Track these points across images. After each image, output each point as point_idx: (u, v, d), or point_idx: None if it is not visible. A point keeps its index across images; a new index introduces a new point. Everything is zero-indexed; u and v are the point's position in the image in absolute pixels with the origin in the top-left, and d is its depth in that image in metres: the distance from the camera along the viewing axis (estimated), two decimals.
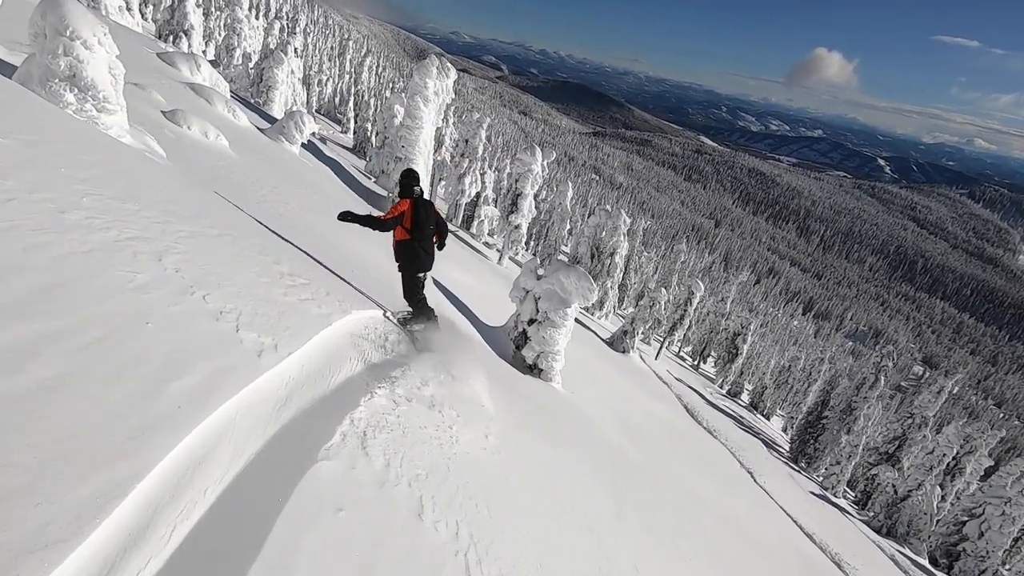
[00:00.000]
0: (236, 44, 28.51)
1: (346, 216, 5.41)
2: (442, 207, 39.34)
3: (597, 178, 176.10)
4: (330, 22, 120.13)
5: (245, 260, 4.04)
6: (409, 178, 5.59)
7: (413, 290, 5.81)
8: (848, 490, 34.25)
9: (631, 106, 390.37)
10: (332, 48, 79.35)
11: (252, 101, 25.48)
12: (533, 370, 9.27)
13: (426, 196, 6.53)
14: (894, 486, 25.95)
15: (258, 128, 14.12)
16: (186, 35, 34.47)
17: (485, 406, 5.29)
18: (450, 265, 14.26)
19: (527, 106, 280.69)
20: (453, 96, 17.49)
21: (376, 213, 5.90)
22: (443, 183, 37.73)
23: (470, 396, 5.12)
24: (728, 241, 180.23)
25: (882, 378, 31.30)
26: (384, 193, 19.64)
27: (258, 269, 4.02)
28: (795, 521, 15.31)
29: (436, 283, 10.49)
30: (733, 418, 33.47)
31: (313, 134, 34.54)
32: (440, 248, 6.06)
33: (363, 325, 4.86)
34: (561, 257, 37.63)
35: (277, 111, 23.09)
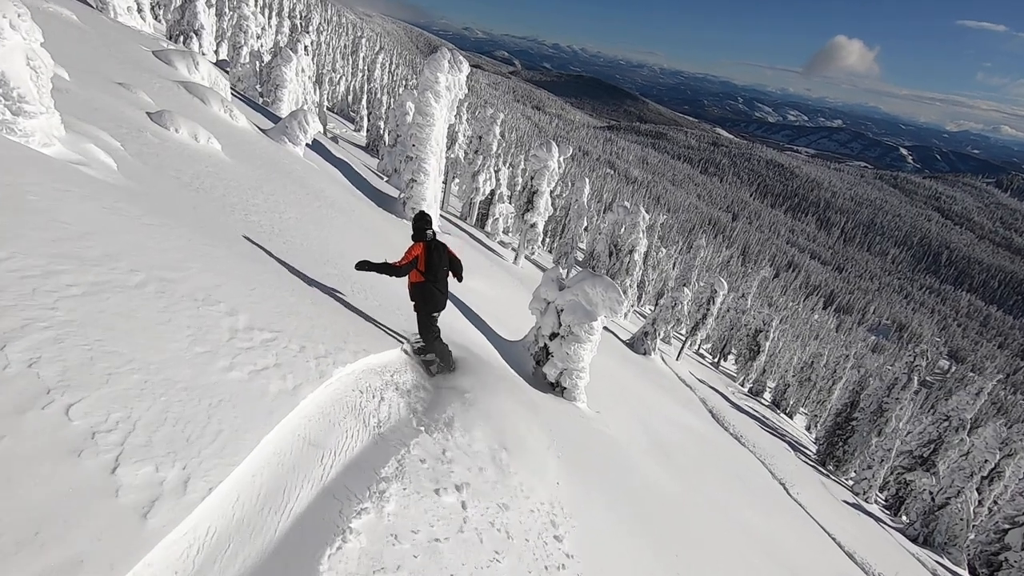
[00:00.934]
0: (243, 42, 27.95)
1: (362, 265, 5.58)
2: (456, 205, 38.66)
3: (612, 172, 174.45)
4: (343, 20, 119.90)
5: (173, 321, 2.92)
6: (422, 222, 5.74)
7: (428, 328, 5.95)
8: (878, 494, 33.04)
9: (646, 99, 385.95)
10: (345, 46, 79.00)
11: (261, 101, 24.93)
12: (555, 388, 8.51)
13: (439, 238, 6.03)
14: (931, 493, 24.77)
15: (260, 129, 13.50)
16: (196, 35, 34.08)
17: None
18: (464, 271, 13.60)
19: (541, 101, 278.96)
20: (466, 91, 16.67)
21: (391, 259, 5.97)
22: (457, 181, 37.02)
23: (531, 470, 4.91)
24: (746, 235, 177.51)
25: (915, 378, 30.02)
26: (395, 194, 18.95)
27: (192, 332, 2.92)
28: (834, 539, 14.40)
29: (452, 299, 9.85)
30: (757, 419, 32.45)
31: (325, 133, 33.97)
32: (459, 281, 6.27)
33: (363, 379, 4.07)
34: (578, 255, 36.76)
35: (286, 111, 22.52)
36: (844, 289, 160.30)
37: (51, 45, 4.82)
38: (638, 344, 26.47)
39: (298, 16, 66.74)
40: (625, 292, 32.22)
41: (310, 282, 5.36)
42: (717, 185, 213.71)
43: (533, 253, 29.98)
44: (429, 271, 5.71)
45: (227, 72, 27.97)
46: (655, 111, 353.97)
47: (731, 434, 20.35)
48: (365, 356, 4.21)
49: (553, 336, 8.40)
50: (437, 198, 17.76)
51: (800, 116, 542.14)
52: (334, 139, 33.38)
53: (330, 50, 67.39)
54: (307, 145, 14.52)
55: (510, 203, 38.20)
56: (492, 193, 34.54)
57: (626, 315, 33.65)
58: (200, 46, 34.16)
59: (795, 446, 32.23)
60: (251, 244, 5.29)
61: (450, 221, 27.20)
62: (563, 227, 45.42)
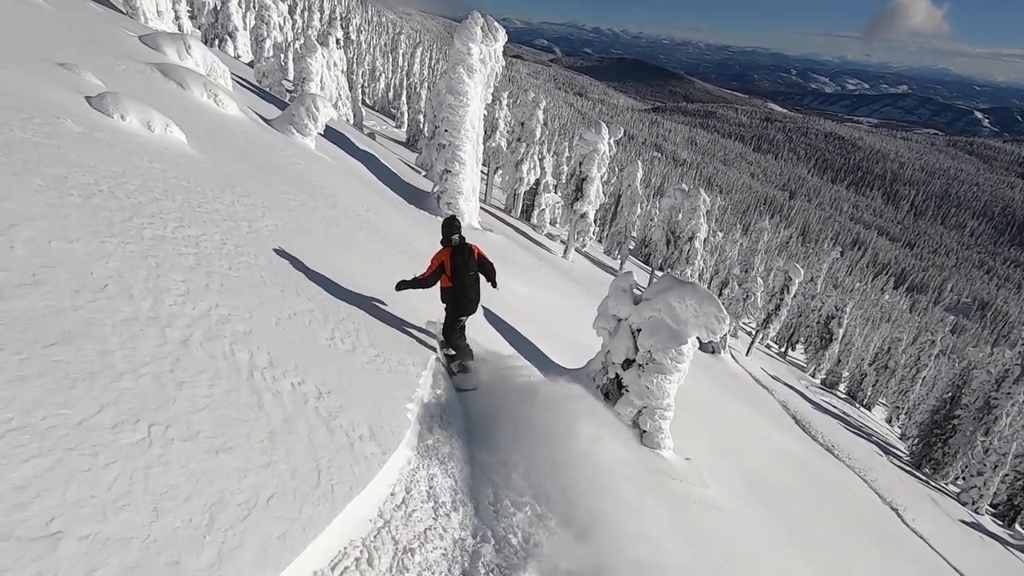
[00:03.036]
0: (265, 34, 26.91)
1: (400, 286, 5.88)
2: (499, 198, 36.81)
3: (659, 156, 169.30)
4: (383, 20, 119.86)
5: None
6: (448, 227, 5.81)
7: (451, 331, 6.06)
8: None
9: (692, 78, 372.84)
10: (385, 44, 78.60)
11: (288, 97, 23.66)
12: (631, 430, 6.55)
13: (467, 240, 5.95)
14: None
15: (264, 120, 11.96)
16: (231, 37, 33.55)
17: None
18: (505, 274, 11.69)
19: (583, 87, 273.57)
20: (503, 63, 14.68)
21: (418, 271, 6.06)
22: (500, 172, 35.17)
23: None
24: (805, 213, 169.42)
25: None
26: (429, 189, 17.22)
27: None
28: None
29: (489, 315, 7.99)
30: (839, 418, 29.31)
31: (362, 129, 32.76)
32: (493, 286, 6.19)
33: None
34: (630, 245, 34.26)
35: None
36: (917, 266, 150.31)
37: None
38: (706, 342, 23.98)
39: (339, 18, 66.66)
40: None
41: (241, 340, 3.68)
42: (772, 162, 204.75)
43: (584, 245, 27.80)
44: (455, 276, 5.75)
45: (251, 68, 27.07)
46: (702, 89, 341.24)
47: (822, 445, 17.75)
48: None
49: (628, 364, 6.41)
50: (476, 190, 15.91)
51: (860, 84, 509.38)
52: (371, 135, 32.12)
53: (370, 49, 66.93)
54: (320, 135, 12.82)
55: (556, 192, 36.05)
56: (537, 183, 32.54)
57: None
58: (235, 48, 33.62)
59: (884, 447, 28.94)
60: (152, 278, 3.61)
61: (493, 215, 25.36)
62: (613, 215, 42.83)
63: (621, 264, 32.15)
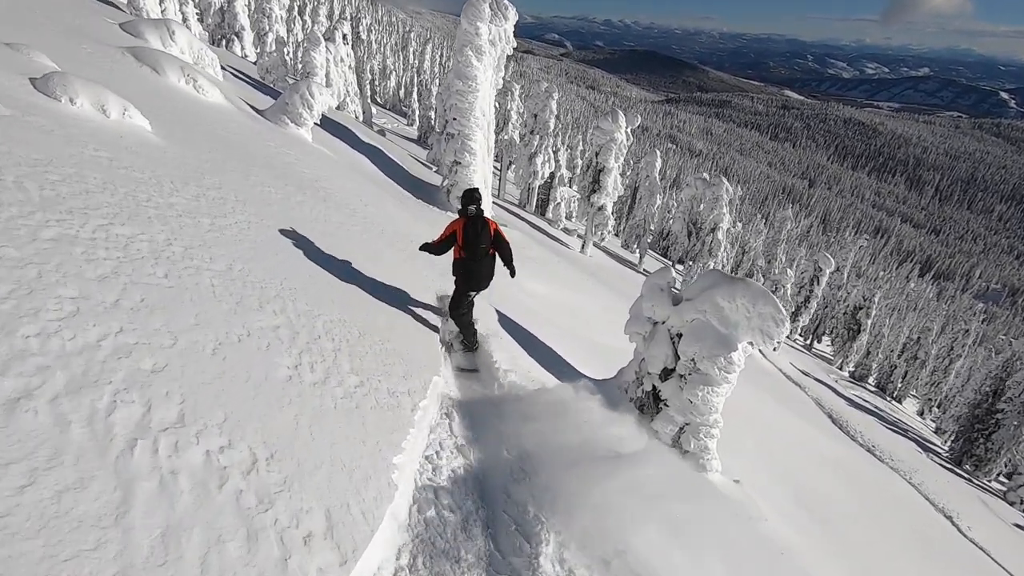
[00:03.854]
0: (267, 28, 26.28)
1: (422, 247, 5.78)
2: (513, 194, 35.93)
3: (674, 147, 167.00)
4: (393, 19, 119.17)
5: None
6: (467, 197, 5.62)
7: (458, 305, 5.85)
8: None
9: (705, 67, 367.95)
10: (396, 43, 78.22)
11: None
12: (672, 448, 5.70)
13: (486, 211, 6.03)
14: None
15: (255, 110, 11.18)
16: (238, 37, 33.10)
17: None
18: (521, 271, 10.88)
19: (595, 80, 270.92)
20: (514, 44, 13.76)
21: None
22: (512, 168, 34.29)
23: None
24: (826, 201, 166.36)
25: None
26: (438, 183, 16.38)
27: None
28: None
29: (504, 321, 7.16)
30: (873, 414, 28.05)
31: (371, 126, 32.04)
32: (511, 273, 5.88)
33: None
34: (647, 238, 33.17)
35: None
36: (943, 253, 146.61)
37: None
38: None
39: (348, 17, 66.28)
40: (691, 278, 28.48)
41: (138, 385, 2.62)
42: (790, 151, 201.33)
43: (603, 239, 26.84)
44: (467, 248, 5.54)
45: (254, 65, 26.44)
46: (716, 79, 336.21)
47: (862, 446, 16.67)
48: None
49: (667, 375, 5.55)
50: (488, 182, 15.01)
51: (880, 68, 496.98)
52: (381, 132, 31.46)
53: (381, 48, 66.56)
54: (317, 125, 11.86)
55: (571, 186, 35.07)
56: (552, 176, 31.58)
57: None
58: (242, 48, 33.18)
59: (922, 444, 27.60)
60: (20, 294, 2.63)
61: (507, 210, 24.51)
62: (629, 209, 41.72)
63: (640, 258, 31.12)
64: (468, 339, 6.03)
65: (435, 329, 5.94)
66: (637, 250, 34.35)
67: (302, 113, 10.74)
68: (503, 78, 14.12)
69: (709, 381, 5.23)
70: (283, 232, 5.57)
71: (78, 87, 4.98)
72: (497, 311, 7.13)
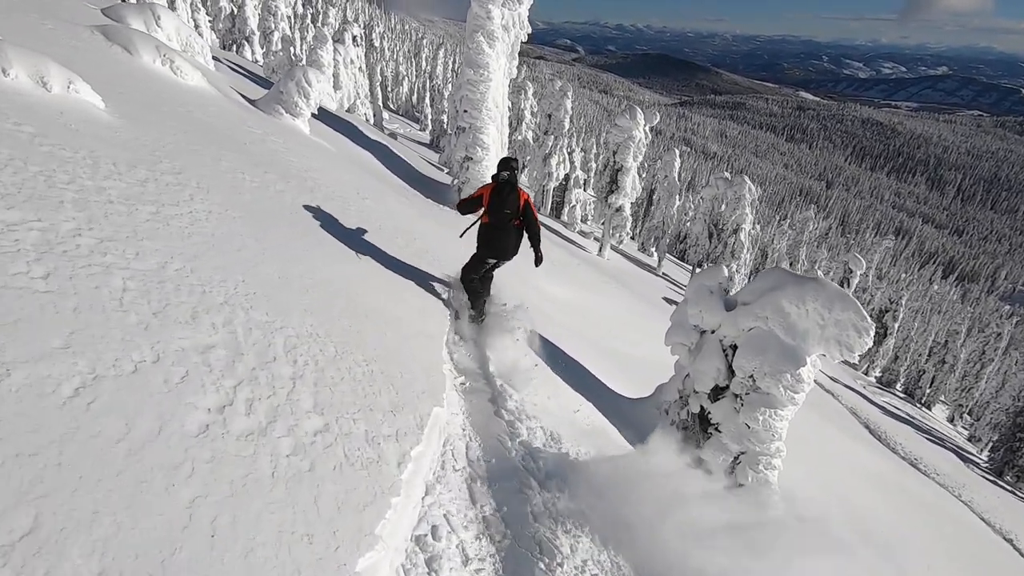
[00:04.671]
0: (273, 26, 25.82)
1: (457, 205, 5.84)
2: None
3: (688, 150, 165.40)
4: (406, 27, 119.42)
5: None
6: (503, 163, 5.46)
7: (471, 271, 5.73)
8: None
9: (718, 70, 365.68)
10: (408, 50, 78.36)
11: None
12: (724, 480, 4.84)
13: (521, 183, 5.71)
14: None
15: (248, 100, 10.44)
16: (248, 42, 32.85)
17: None
18: (540, 274, 9.99)
19: (607, 84, 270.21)
20: (530, 30, 12.98)
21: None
22: (526, 170, 33.55)
23: None
24: (844, 202, 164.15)
25: None
26: (449, 181, 15.61)
27: None
28: None
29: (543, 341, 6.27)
30: (907, 422, 26.75)
31: (383, 129, 31.39)
32: (536, 259, 5.53)
33: None
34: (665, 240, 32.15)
35: (326, 103, 19.78)
36: (967, 254, 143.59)
37: None
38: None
39: (361, 25, 66.44)
40: (732, 279, 27.45)
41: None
42: (806, 152, 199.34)
43: (620, 242, 25.95)
44: (491, 212, 5.44)
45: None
46: (730, 81, 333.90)
47: (903, 458, 15.58)
48: None
49: (718, 393, 4.70)
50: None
51: (897, 68, 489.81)
52: (392, 135, 30.91)
53: (394, 55, 66.67)
54: (315, 115, 10.94)
55: (585, 189, 34.20)
56: (567, 178, 30.78)
57: None
58: (252, 52, 32.91)
59: (960, 454, 26.25)
60: None
61: None
62: (645, 211, 40.72)
63: (659, 261, 30.17)
64: (475, 309, 5.81)
65: (439, 342, 4.97)
66: (655, 253, 33.40)
67: (298, 102, 9.94)
68: (516, 66, 13.31)
69: (771, 402, 4.37)
70: (252, 224, 4.61)
71: (12, 56, 4.26)
72: (540, 336, 6.15)
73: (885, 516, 8.29)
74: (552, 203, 32.06)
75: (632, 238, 44.18)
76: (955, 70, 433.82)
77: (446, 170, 23.84)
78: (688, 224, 40.18)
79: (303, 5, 46.40)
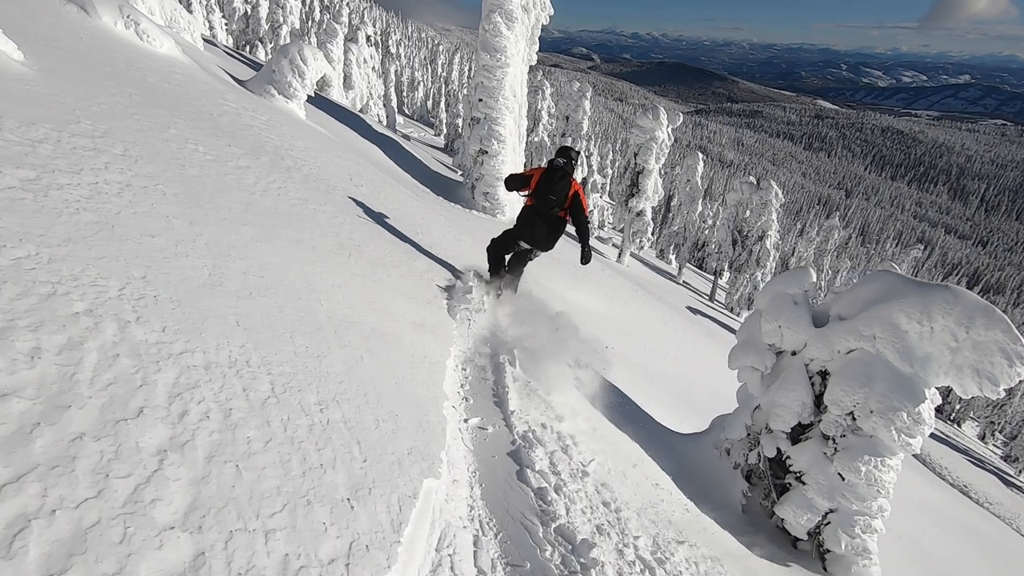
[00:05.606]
0: (281, 19, 25.21)
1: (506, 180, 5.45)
2: None
3: (705, 157, 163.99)
4: (423, 35, 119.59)
5: None
6: (561, 150, 5.20)
7: (500, 245, 5.49)
8: None
9: (735, 78, 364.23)
10: (424, 57, 78.44)
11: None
12: (797, 545, 3.81)
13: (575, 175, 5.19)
14: None
15: (237, 80, 9.50)
16: (261, 43, 32.48)
17: None
18: (563, 279, 8.92)
19: (623, 92, 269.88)
20: (552, 12, 12.00)
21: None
22: None
23: None
24: (864, 212, 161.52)
25: None
26: (460, 179, 14.67)
27: None
28: None
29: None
30: (942, 441, 25.28)
31: (396, 131, 30.60)
32: (583, 256, 5.19)
33: None
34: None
35: (336, 96, 19.08)
36: (992, 266, 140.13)
37: None
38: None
39: (378, 32, 66.60)
40: (755, 288, 26.29)
41: None
42: (825, 160, 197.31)
43: (641, 248, 24.90)
44: (536, 194, 5.15)
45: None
46: (746, 89, 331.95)
47: (952, 485, 14.30)
48: None
49: (801, 432, 3.67)
50: None
51: (917, 76, 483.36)
52: (405, 138, 30.23)
53: (410, 62, 66.73)
54: (311, 97, 9.79)
55: (602, 196, 33.21)
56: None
57: None
58: (266, 53, 32.52)
59: (1003, 477, 24.70)
60: None
61: None
62: (663, 218, 39.64)
63: (680, 269, 29.02)
64: (491, 284, 5.61)
65: (439, 367, 3.84)
66: (675, 261, 32.28)
67: (291, 82, 8.96)
68: (536, 52, 12.29)
69: (878, 449, 3.34)
70: (189, 204, 3.48)
71: None
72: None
73: (952, 556, 7.16)
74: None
75: (650, 245, 43.07)
76: (978, 78, 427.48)
77: (460, 172, 23.02)
78: (706, 231, 39.06)
79: (320, 12, 46.16)
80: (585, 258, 5.17)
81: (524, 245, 5.34)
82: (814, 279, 3.96)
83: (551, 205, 5.04)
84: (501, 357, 4.24)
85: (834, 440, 3.51)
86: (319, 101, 13.57)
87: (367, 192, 6.73)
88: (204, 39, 11.84)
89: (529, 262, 5.60)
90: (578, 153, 5.26)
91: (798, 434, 3.74)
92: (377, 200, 6.66)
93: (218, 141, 4.93)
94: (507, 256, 5.56)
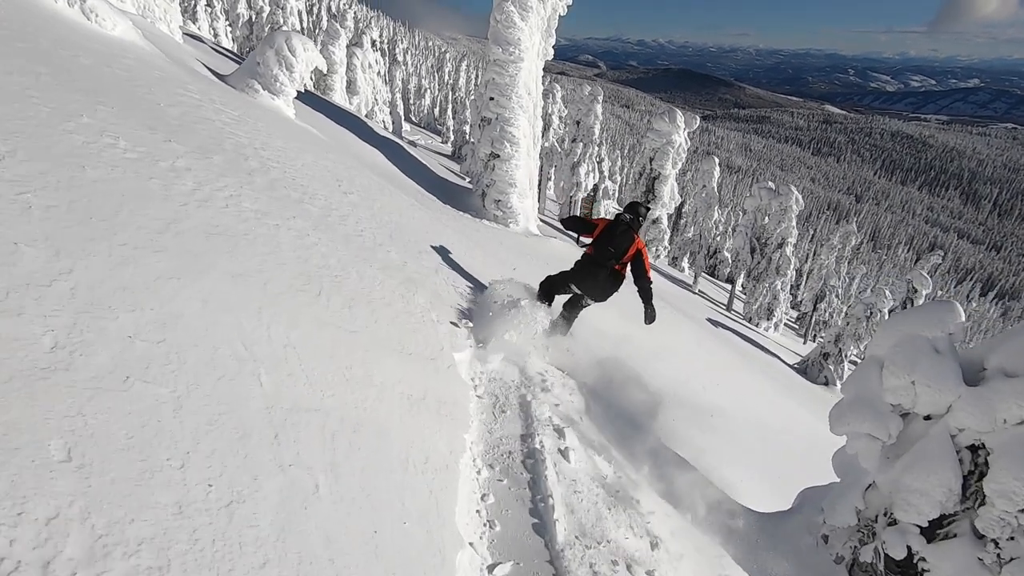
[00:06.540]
0: (282, 20, 24.38)
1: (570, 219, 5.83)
2: (553, 210, 33.26)
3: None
4: (430, 44, 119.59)
5: None
6: (629, 206, 5.40)
7: (551, 284, 5.45)
8: None
9: (742, 84, 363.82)
10: (431, 65, 78.38)
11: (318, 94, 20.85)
12: None
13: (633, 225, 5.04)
14: None
15: (217, 74, 8.48)
16: None
17: None
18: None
19: (629, 99, 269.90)
20: (569, 2, 10.93)
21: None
22: (552, 182, 31.69)
23: None
24: (874, 217, 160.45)
25: None
26: (469, 186, 13.62)
27: None
28: None
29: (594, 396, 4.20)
30: None
31: (401, 136, 29.74)
32: (646, 315, 5.09)
33: None
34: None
35: (339, 99, 18.18)
36: (1006, 270, 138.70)
37: None
38: (814, 370, 19.48)
39: (385, 41, 66.47)
40: (775, 298, 25.10)
41: None
42: (834, 165, 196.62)
43: (657, 257, 23.82)
44: (596, 245, 5.18)
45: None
46: (753, 95, 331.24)
47: None
48: None
49: (940, 527, 2.56)
50: (534, 182, 11.78)
51: (926, 80, 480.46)
52: (412, 144, 29.37)
53: (417, 70, 66.68)
54: (301, 93, 8.80)
55: (616, 201, 32.17)
56: (595, 189, 28.83)
57: (777, 326, 26.33)
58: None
59: None
60: None
61: (551, 225, 21.76)
62: (675, 224, 38.56)
63: (695, 279, 27.90)
64: (541, 297, 5.42)
65: (451, 478, 2.74)
66: (689, 270, 31.17)
67: (278, 75, 7.85)
68: (552, 46, 11.21)
69: None
70: (68, 219, 2.42)
71: None
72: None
73: None
74: (581, 214, 30.11)
75: (666, 253, 41.95)
76: (987, 82, 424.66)
77: (468, 178, 22.01)
78: (717, 238, 37.92)
79: (327, 21, 45.69)
80: (648, 318, 5.06)
81: (575, 289, 5.31)
82: (962, 318, 2.84)
83: (608, 257, 5.04)
84: (538, 439, 3.04)
85: (996, 544, 2.39)
86: (316, 101, 12.58)
87: (358, 200, 5.60)
88: (190, 34, 10.96)
89: (583, 308, 5.46)
90: (648, 209, 5.24)
91: (937, 528, 2.62)
92: (370, 211, 5.54)
93: (152, 135, 3.80)
94: (557, 296, 5.49)
